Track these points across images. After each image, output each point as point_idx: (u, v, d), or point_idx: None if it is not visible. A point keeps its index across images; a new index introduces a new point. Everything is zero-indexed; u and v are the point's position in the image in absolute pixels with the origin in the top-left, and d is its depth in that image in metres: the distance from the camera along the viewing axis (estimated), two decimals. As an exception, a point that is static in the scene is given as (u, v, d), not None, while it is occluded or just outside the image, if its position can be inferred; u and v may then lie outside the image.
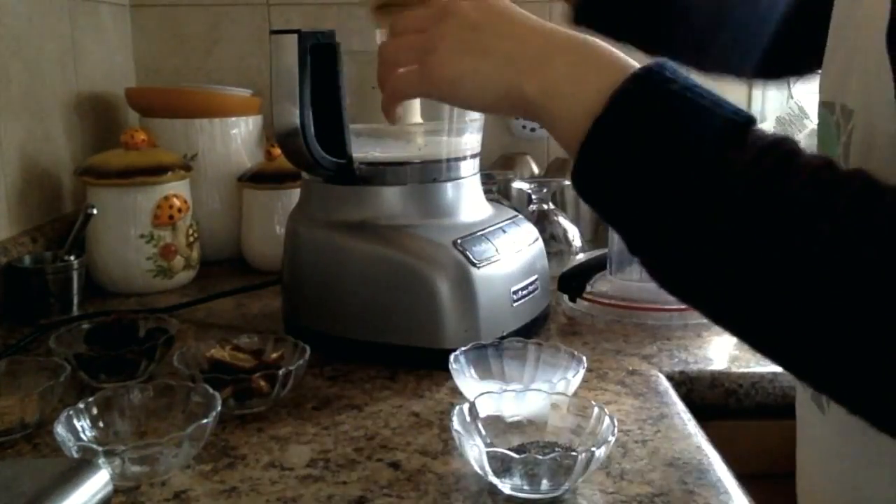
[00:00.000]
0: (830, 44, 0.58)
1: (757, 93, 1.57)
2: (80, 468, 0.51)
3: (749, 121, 0.46)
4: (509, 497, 0.60)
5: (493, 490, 0.61)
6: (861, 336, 0.39)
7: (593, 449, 0.58)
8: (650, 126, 0.45)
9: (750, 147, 0.44)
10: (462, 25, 0.54)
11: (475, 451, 0.59)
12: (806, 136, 1.47)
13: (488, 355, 0.78)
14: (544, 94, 0.50)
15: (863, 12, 0.52)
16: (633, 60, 0.49)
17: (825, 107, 0.57)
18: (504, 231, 0.91)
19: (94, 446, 0.60)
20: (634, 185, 0.45)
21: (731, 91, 1.62)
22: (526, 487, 0.59)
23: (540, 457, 0.59)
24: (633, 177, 0.45)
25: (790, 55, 0.77)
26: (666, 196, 0.44)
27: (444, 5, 0.56)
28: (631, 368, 0.85)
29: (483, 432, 0.65)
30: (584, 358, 0.75)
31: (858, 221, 0.40)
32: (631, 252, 0.48)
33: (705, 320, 1.01)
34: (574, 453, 0.59)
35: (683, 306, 0.98)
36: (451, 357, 0.75)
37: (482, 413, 0.66)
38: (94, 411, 0.67)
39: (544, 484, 0.59)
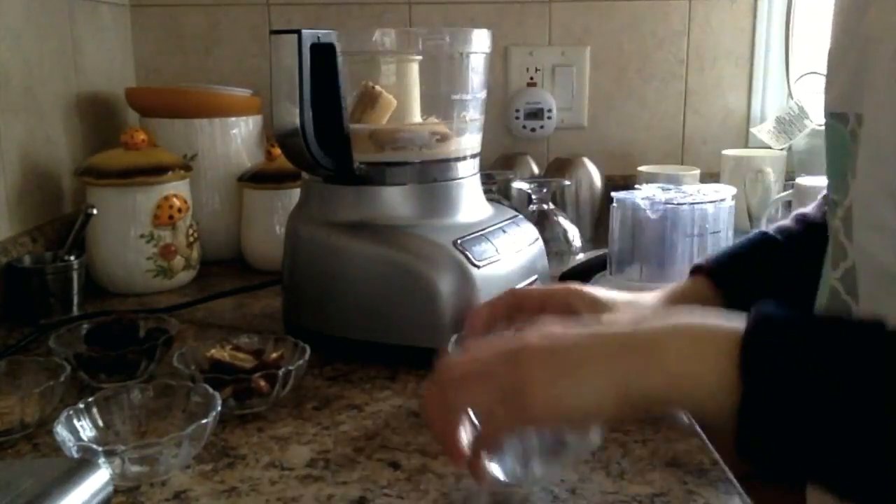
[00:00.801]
0: (836, 57, 0.58)
1: (757, 93, 1.57)
2: (80, 468, 0.51)
3: (877, 324, 0.44)
4: (508, 495, 0.60)
5: (493, 490, 0.61)
6: None
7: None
8: (803, 370, 0.43)
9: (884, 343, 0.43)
10: (540, 354, 0.50)
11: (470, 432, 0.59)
12: (806, 136, 1.46)
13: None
14: (669, 383, 0.47)
15: (867, 25, 0.52)
16: (716, 315, 0.48)
17: (836, 118, 0.57)
18: (504, 231, 0.91)
19: (94, 446, 0.60)
20: (821, 433, 0.43)
21: (731, 91, 1.61)
22: (519, 471, 0.59)
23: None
24: (815, 426, 0.43)
25: None
26: (856, 428, 0.42)
27: (512, 344, 0.51)
28: (631, 368, 0.85)
29: (477, 421, 0.65)
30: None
31: None
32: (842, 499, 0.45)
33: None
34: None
35: (683, 307, 0.99)
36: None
37: None
38: (94, 411, 0.67)
39: (537, 468, 0.59)
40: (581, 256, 1.19)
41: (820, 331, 0.44)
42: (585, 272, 1.06)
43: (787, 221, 0.77)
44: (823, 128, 0.61)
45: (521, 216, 0.98)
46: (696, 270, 0.76)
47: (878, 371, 0.42)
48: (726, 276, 0.73)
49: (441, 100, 0.93)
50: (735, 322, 0.46)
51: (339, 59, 0.84)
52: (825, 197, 0.66)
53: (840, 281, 0.58)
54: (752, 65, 1.56)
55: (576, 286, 0.69)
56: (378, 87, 0.91)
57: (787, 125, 1.47)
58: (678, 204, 0.99)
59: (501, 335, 0.58)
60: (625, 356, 0.48)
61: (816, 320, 0.46)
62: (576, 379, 0.48)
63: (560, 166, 1.42)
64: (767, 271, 0.74)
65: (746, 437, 0.44)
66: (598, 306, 0.67)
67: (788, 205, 1.18)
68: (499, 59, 1.52)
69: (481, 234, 0.88)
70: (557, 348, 0.50)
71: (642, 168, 1.43)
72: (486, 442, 0.53)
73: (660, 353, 0.47)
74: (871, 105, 0.51)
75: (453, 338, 0.72)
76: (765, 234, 0.76)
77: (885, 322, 0.44)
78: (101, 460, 0.59)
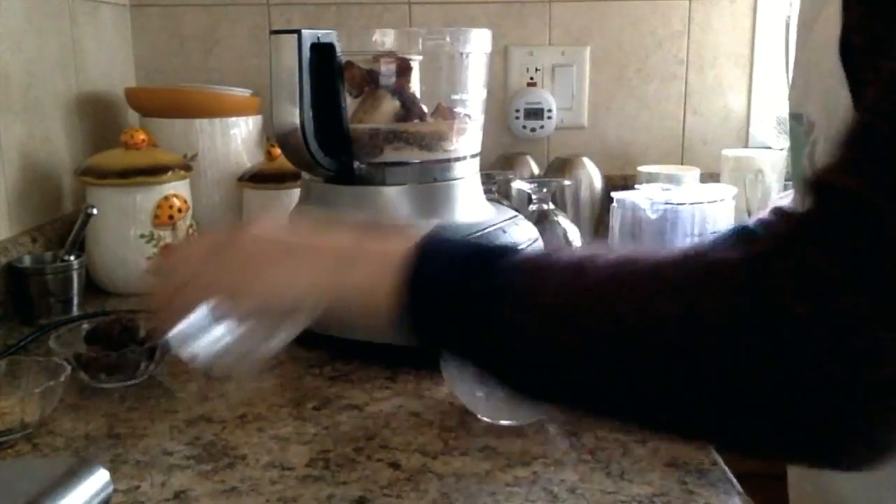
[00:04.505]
0: (795, 60, 0.60)
1: (757, 93, 1.57)
2: (80, 468, 0.51)
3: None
4: (508, 495, 0.60)
5: (493, 490, 0.61)
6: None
7: None
8: (444, 271, 0.50)
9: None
10: (258, 245, 0.58)
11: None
12: (806, 136, 1.47)
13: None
14: (352, 290, 0.54)
15: (818, 29, 0.54)
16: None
17: (794, 118, 0.60)
18: (504, 231, 0.91)
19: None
20: (458, 321, 0.49)
21: (731, 91, 1.61)
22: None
23: None
24: (454, 314, 0.48)
25: None
26: (492, 341, 0.47)
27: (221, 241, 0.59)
28: (631, 368, 0.85)
29: None
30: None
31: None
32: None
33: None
34: None
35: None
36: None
37: None
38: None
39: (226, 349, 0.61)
40: (581, 256, 1.19)
41: (473, 256, 0.50)
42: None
43: (765, 214, 0.78)
44: (789, 135, 0.64)
45: (521, 216, 0.98)
46: None
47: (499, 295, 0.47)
48: None
49: (441, 100, 0.93)
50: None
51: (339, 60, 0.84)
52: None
53: None
54: (752, 65, 1.56)
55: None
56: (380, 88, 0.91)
57: (786, 125, 1.47)
58: (678, 204, 1.00)
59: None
60: (326, 262, 0.55)
61: (473, 247, 0.53)
62: (288, 271, 0.55)
63: (560, 166, 1.42)
64: None
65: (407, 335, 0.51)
66: None
67: (788, 205, 1.19)
68: (499, 59, 1.52)
69: (481, 234, 0.88)
70: (269, 246, 0.57)
71: (642, 168, 1.43)
72: (182, 302, 0.58)
73: (349, 265, 0.54)
74: (820, 106, 0.54)
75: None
76: (745, 227, 0.77)
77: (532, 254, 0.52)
78: None
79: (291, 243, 0.57)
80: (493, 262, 0.48)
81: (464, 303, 0.48)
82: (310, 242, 0.57)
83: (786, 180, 1.42)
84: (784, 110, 1.50)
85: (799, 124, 0.58)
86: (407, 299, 0.49)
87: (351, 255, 0.54)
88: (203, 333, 0.60)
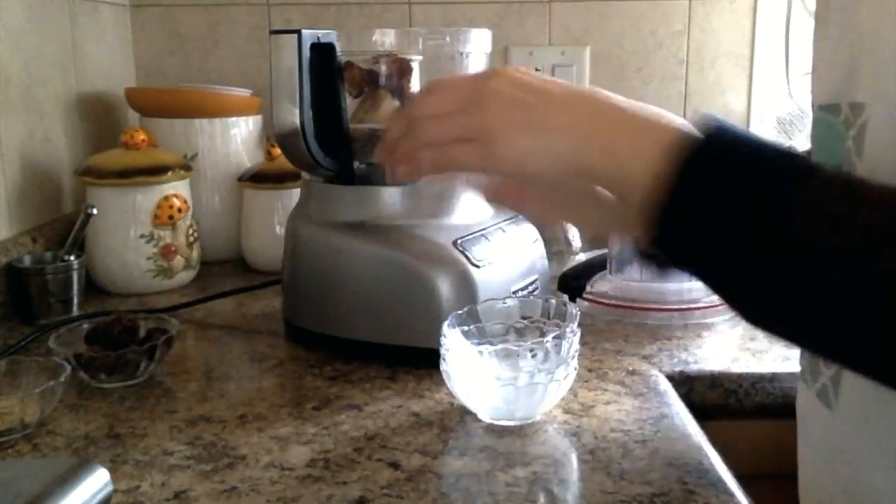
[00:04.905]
0: (829, 48, 0.58)
1: (757, 93, 1.57)
2: (80, 468, 0.51)
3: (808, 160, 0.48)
4: (508, 495, 0.60)
5: (493, 490, 0.61)
6: None
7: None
8: (727, 183, 0.46)
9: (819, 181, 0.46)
10: (510, 104, 0.55)
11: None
12: (806, 136, 1.47)
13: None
14: (606, 164, 0.52)
15: (867, 11, 0.52)
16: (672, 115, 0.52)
17: (826, 110, 0.57)
18: (504, 231, 0.91)
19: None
20: (726, 240, 0.46)
21: (731, 91, 1.60)
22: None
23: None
24: (724, 231, 0.46)
25: None
26: (758, 241, 0.45)
27: (480, 87, 0.56)
28: (631, 368, 0.85)
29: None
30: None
31: None
32: (730, 306, 0.50)
33: (705, 320, 1.02)
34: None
35: (683, 306, 0.99)
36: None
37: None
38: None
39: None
40: (581, 256, 1.19)
41: (758, 151, 0.47)
42: (585, 272, 1.06)
43: None
44: (812, 128, 0.62)
45: (520, 216, 0.98)
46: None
47: (795, 211, 0.44)
48: None
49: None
50: (680, 124, 0.51)
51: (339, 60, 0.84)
52: None
53: None
54: (752, 65, 1.56)
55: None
56: (380, 88, 0.91)
57: (787, 125, 1.47)
58: (678, 204, 0.99)
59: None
60: (582, 127, 0.53)
61: (761, 143, 0.48)
62: (538, 142, 0.53)
63: (560, 166, 1.42)
64: None
65: (667, 231, 0.49)
66: None
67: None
68: (499, 59, 1.52)
69: (481, 234, 0.88)
70: (529, 103, 0.54)
71: (642, 168, 1.43)
72: (446, 165, 0.58)
73: (609, 132, 0.52)
74: (870, 86, 0.52)
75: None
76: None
77: (831, 172, 0.47)
78: None
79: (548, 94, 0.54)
80: (794, 175, 0.45)
81: (751, 208, 0.45)
82: (564, 94, 0.54)
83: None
84: (784, 110, 1.50)
85: (835, 115, 0.57)
86: (675, 189, 0.47)
87: (617, 120, 0.52)
88: None
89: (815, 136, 0.61)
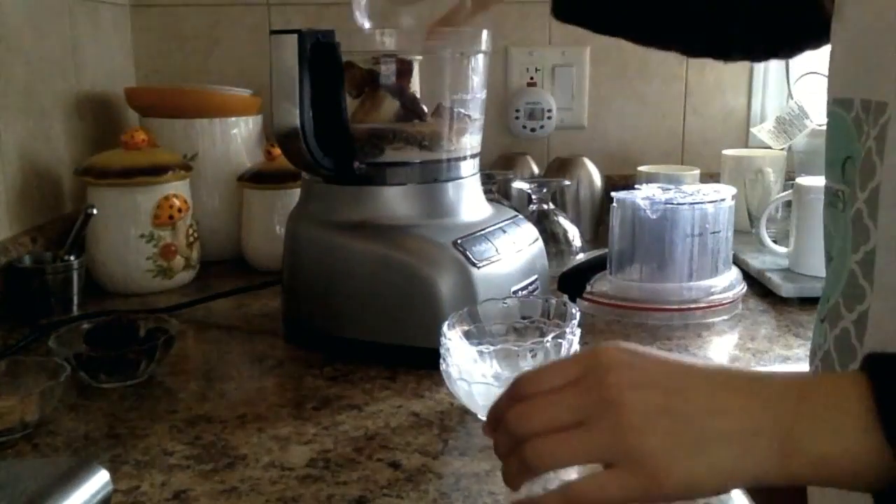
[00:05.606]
0: (844, 42, 0.58)
1: (757, 93, 1.57)
2: (80, 468, 0.51)
3: None
4: (508, 494, 0.60)
5: (493, 490, 0.61)
6: None
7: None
8: None
9: None
10: (642, 406, 0.42)
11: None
12: (806, 136, 1.46)
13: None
14: (814, 467, 0.41)
15: (882, 7, 0.52)
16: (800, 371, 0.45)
17: (839, 104, 0.57)
18: (504, 231, 0.91)
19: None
20: None
21: (731, 91, 1.60)
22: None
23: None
24: None
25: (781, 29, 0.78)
26: None
27: (592, 378, 0.46)
28: (631, 368, 0.85)
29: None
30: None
31: None
32: None
33: (705, 320, 1.01)
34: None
35: (683, 306, 0.99)
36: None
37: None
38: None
39: None
40: (581, 256, 1.19)
41: None
42: (585, 272, 1.06)
43: None
44: (826, 121, 0.61)
45: (521, 216, 0.98)
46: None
47: None
48: None
49: (441, 100, 0.93)
50: (849, 377, 0.41)
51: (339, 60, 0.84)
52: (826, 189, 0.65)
53: (859, 265, 0.58)
54: (752, 65, 1.56)
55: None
56: (380, 88, 0.91)
57: (787, 125, 1.47)
58: (678, 204, 0.99)
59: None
60: (754, 441, 0.41)
61: None
62: (702, 460, 0.41)
63: (560, 166, 1.42)
64: None
65: None
66: None
67: (788, 204, 1.18)
68: (499, 59, 1.52)
69: (481, 234, 0.88)
70: (675, 410, 0.42)
71: (642, 168, 1.43)
72: (538, 458, 0.46)
73: (791, 436, 0.40)
74: (891, 90, 0.52)
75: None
76: None
77: None
78: None
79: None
80: None
81: None
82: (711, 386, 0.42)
83: (786, 180, 1.42)
84: (784, 110, 1.50)
85: (847, 110, 0.56)
86: None
87: (793, 410, 0.41)
88: None
89: (828, 127, 0.61)
